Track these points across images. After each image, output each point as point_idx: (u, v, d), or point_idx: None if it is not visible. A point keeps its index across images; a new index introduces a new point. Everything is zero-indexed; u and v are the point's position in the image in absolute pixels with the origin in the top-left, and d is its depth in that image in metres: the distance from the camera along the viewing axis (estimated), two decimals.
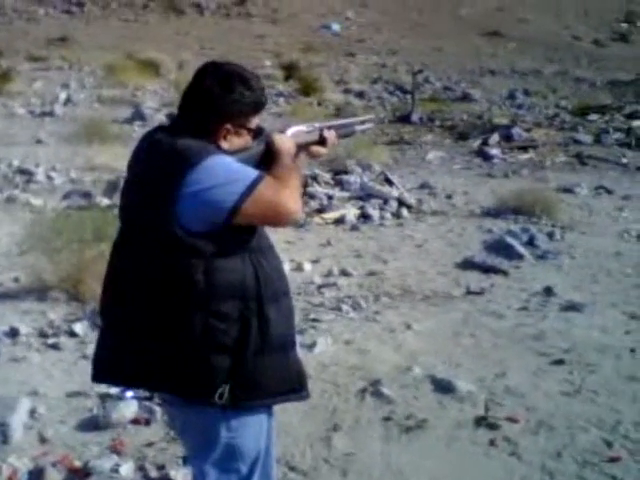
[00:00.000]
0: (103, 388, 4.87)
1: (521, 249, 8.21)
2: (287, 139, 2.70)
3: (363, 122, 3.25)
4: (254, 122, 2.63)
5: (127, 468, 4.01)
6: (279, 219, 2.56)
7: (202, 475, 2.72)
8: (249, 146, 2.62)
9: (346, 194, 10.83)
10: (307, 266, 7.65)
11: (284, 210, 2.51)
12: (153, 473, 4.02)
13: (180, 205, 2.39)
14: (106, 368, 2.67)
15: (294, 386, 2.70)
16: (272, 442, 2.86)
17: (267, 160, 2.62)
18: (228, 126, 2.55)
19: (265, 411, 2.73)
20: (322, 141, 2.93)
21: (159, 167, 2.45)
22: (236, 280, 2.49)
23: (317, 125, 2.93)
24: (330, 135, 2.93)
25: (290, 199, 2.51)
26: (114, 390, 4.81)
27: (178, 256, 2.44)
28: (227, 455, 2.67)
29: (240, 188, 2.41)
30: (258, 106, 2.62)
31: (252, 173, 2.47)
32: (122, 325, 2.59)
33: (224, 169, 2.44)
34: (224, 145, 2.55)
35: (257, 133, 2.65)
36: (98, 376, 2.74)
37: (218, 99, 2.52)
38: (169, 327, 2.49)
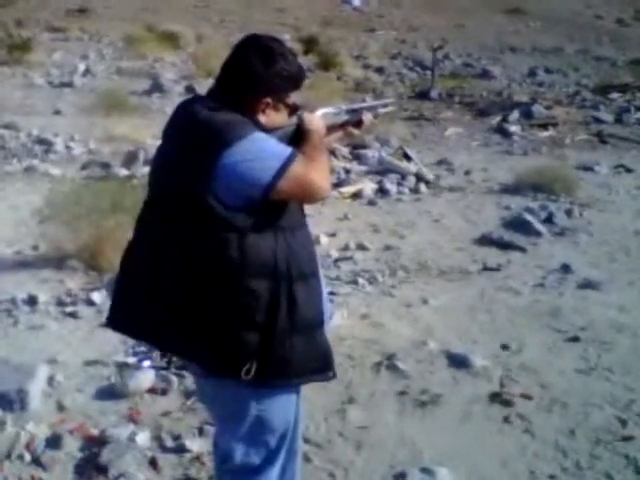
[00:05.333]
0: (121, 357, 4.92)
1: (539, 226, 8.19)
2: (317, 119, 2.72)
3: (386, 105, 3.35)
4: (292, 98, 2.65)
5: (143, 437, 4.05)
6: (309, 196, 2.58)
7: (230, 447, 2.74)
8: (283, 124, 2.63)
9: (364, 168, 10.81)
10: (324, 239, 7.66)
11: (314, 187, 2.53)
12: (169, 442, 4.05)
13: (217, 179, 2.40)
14: (130, 322, 2.70)
15: (320, 366, 2.70)
16: (300, 418, 2.89)
17: (297, 139, 2.64)
18: (268, 100, 2.56)
19: (294, 387, 2.75)
20: (358, 122, 3.03)
21: (197, 140, 2.45)
22: (268, 258, 2.49)
23: (344, 107, 3.02)
24: (367, 118, 3.04)
25: (320, 177, 2.54)
26: (131, 359, 4.85)
27: (212, 230, 2.45)
28: (256, 428, 2.70)
29: (276, 164, 2.43)
30: (298, 81, 2.65)
31: (287, 150, 2.49)
32: (151, 288, 2.59)
33: (261, 145, 2.45)
34: (262, 119, 2.56)
35: (294, 110, 2.67)
36: (118, 325, 2.78)
37: (260, 72, 2.53)
38: (199, 300, 2.50)
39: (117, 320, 2.76)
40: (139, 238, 2.69)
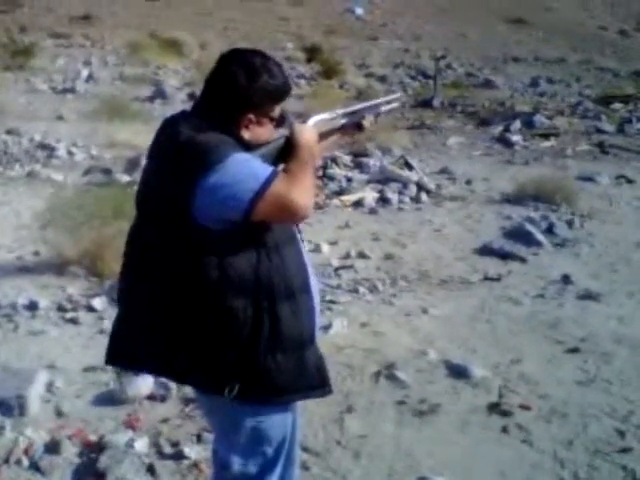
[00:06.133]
0: None
1: (540, 236, 8.19)
2: (308, 130, 2.65)
3: (389, 102, 3.19)
4: (277, 111, 2.60)
5: (142, 444, 4.05)
6: (290, 216, 2.49)
7: (228, 457, 2.73)
8: (270, 140, 2.59)
9: (365, 177, 10.81)
10: (325, 248, 7.66)
11: (295, 207, 2.43)
12: (167, 449, 4.05)
13: (196, 202, 2.36)
14: (121, 352, 2.70)
15: (314, 383, 2.68)
16: (297, 426, 2.87)
17: (287, 152, 2.58)
18: (251, 116, 2.52)
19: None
20: (358, 126, 2.96)
21: (177, 162, 2.41)
22: (249, 277, 2.46)
23: (340, 112, 2.90)
24: (367, 121, 2.97)
25: (301, 196, 2.44)
26: None
27: (192, 251, 2.43)
28: (253, 439, 2.69)
29: (255, 186, 2.37)
30: (282, 95, 2.60)
31: (266, 170, 2.42)
32: (136, 311, 2.60)
33: (241, 168, 2.39)
34: (245, 135, 2.52)
35: (281, 120, 2.63)
36: (113, 358, 2.76)
37: (242, 88, 2.49)
38: (181, 320, 2.49)
39: (112, 353, 2.75)
40: (127, 259, 2.68)
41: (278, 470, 2.80)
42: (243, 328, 2.47)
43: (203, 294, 2.45)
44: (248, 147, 2.49)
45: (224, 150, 2.40)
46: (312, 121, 2.73)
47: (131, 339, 2.63)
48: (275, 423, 2.70)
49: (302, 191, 2.45)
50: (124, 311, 2.69)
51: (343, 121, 2.90)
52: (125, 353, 2.68)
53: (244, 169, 2.40)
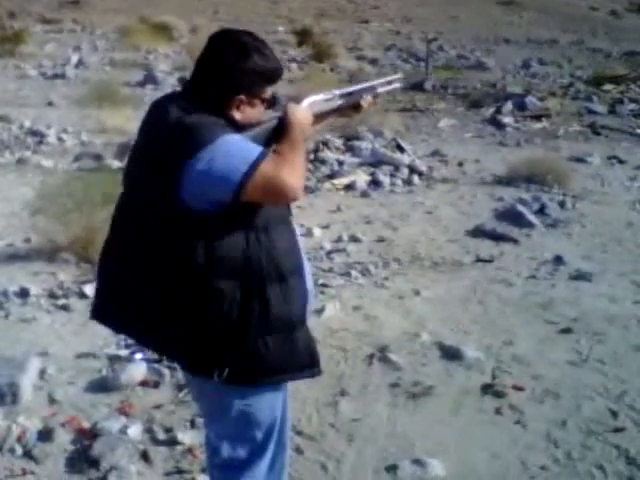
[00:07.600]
0: (112, 350, 4.91)
1: (532, 217, 8.19)
2: (301, 110, 2.63)
3: (390, 82, 3.16)
4: (268, 92, 2.58)
5: (135, 430, 4.05)
6: (279, 197, 2.47)
7: (217, 441, 2.73)
8: (261, 121, 2.56)
9: (357, 160, 10.77)
10: (317, 231, 7.65)
11: (285, 188, 2.42)
12: (161, 435, 4.05)
13: (185, 183, 2.35)
14: (114, 316, 2.69)
15: (304, 363, 2.66)
16: (287, 410, 2.87)
17: (280, 133, 2.56)
18: (242, 97, 2.50)
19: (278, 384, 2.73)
20: (356, 107, 2.94)
21: (167, 143, 2.40)
22: (237, 259, 2.45)
23: (337, 92, 2.89)
24: (365, 101, 2.95)
25: (291, 176, 2.43)
26: (123, 352, 4.85)
27: (180, 232, 2.41)
28: (242, 423, 2.68)
29: (244, 166, 2.35)
30: (273, 76, 2.57)
31: (256, 151, 2.41)
32: (124, 288, 2.58)
33: (230, 148, 2.38)
34: (236, 115, 2.50)
35: (272, 102, 2.61)
36: (103, 317, 2.76)
37: (233, 69, 2.47)
38: (170, 301, 2.48)
39: (101, 313, 2.75)
40: (114, 236, 2.67)
41: (268, 455, 2.79)
42: (231, 311, 2.46)
43: (190, 276, 2.44)
44: (239, 128, 2.47)
45: (213, 131, 2.38)
46: (306, 102, 2.71)
47: (124, 308, 2.61)
48: (264, 406, 2.69)
49: (292, 172, 2.44)
50: (114, 280, 2.65)
51: (340, 102, 2.88)
52: (116, 318, 2.68)
53: (234, 150, 2.38)
